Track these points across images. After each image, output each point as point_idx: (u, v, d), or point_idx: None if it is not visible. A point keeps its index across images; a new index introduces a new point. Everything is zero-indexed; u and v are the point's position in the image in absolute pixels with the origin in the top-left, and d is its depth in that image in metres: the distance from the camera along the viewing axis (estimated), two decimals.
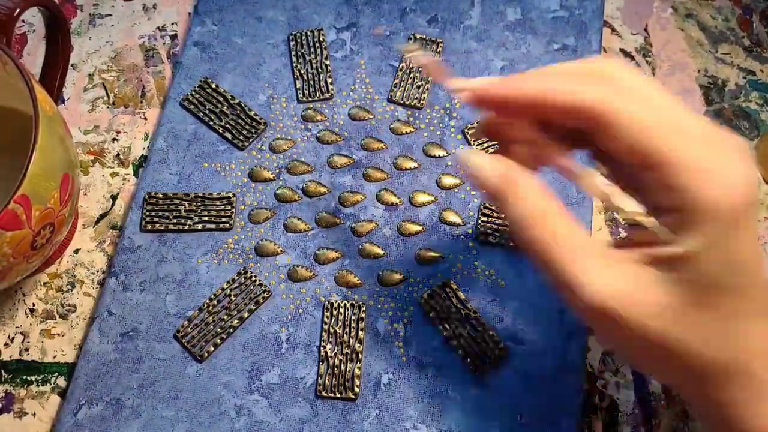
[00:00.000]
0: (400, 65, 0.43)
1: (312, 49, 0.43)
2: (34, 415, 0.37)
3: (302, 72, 0.43)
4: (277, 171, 0.40)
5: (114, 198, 0.42)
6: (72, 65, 0.45)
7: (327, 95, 0.42)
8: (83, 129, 0.44)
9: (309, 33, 0.44)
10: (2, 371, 0.38)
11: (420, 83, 0.42)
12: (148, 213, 0.39)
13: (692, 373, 0.24)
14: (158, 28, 0.47)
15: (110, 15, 0.47)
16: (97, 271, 0.40)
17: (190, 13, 0.47)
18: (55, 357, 0.38)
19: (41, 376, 0.38)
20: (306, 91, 0.42)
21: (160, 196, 0.40)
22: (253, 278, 0.37)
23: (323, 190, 0.40)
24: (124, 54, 0.46)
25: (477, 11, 0.44)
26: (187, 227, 0.39)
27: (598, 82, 0.24)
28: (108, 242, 0.41)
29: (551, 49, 0.44)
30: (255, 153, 0.41)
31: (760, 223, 0.41)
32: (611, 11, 0.47)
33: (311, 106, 0.42)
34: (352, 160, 0.41)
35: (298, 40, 0.44)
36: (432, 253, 0.38)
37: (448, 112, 0.42)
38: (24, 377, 0.38)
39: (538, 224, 0.24)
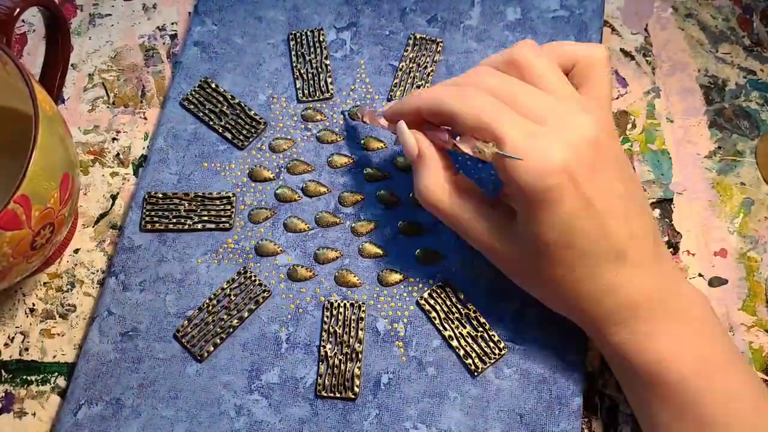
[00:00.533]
0: (400, 65, 0.43)
1: (312, 49, 0.43)
2: (34, 415, 0.37)
3: (302, 72, 0.43)
4: (277, 170, 0.40)
5: (114, 198, 0.42)
6: (72, 65, 0.45)
7: (327, 95, 0.42)
8: (83, 129, 0.44)
9: (309, 33, 0.44)
10: (2, 371, 0.38)
11: (420, 83, 0.42)
12: (147, 212, 0.39)
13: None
14: (158, 27, 0.47)
15: (110, 15, 0.47)
16: (97, 271, 0.40)
17: (190, 13, 0.47)
18: (55, 357, 0.38)
19: (41, 376, 0.38)
20: (306, 91, 0.42)
21: (160, 195, 0.40)
22: (253, 278, 0.37)
23: (323, 189, 0.40)
24: (124, 54, 0.46)
25: (477, 11, 0.44)
26: (186, 227, 0.39)
27: (460, 88, 0.32)
28: (108, 242, 0.41)
29: None
30: (255, 153, 0.41)
31: (760, 223, 0.41)
32: (611, 11, 0.47)
33: (311, 105, 0.42)
34: (352, 160, 0.41)
35: (298, 39, 0.44)
36: (432, 253, 0.38)
37: None
38: (24, 377, 0.38)
39: (439, 195, 0.33)
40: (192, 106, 0.42)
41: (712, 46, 0.46)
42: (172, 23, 0.47)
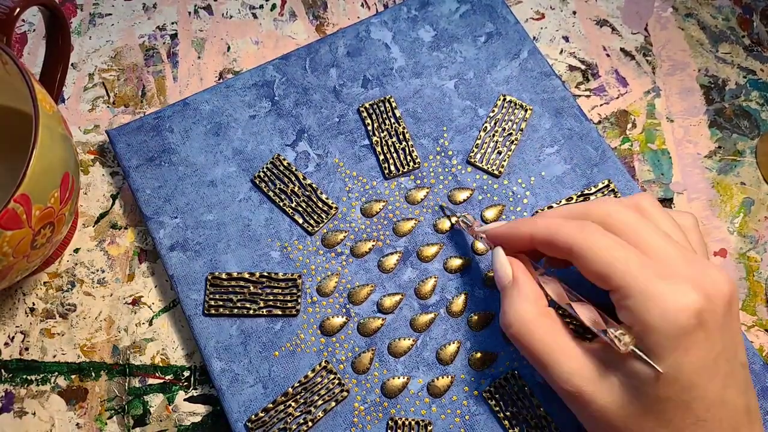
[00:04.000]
0: (374, 140, 0.41)
1: (285, 179, 0.39)
2: (34, 414, 0.37)
3: (293, 207, 0.39)
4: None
5: (114, 197, 0.42)
6: (72, 65, 0.45)
7: (332, 212, 0.39)
8: (83, 128, 0.44)
9: (269, 166, 0.40)
10: (2, 371, 0.38)
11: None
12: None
13: None
14: (158, 27, 0.47)
15: (110, 14, 0.47)
16: (97, 271, 0.40)
17: (189, 13, 0.47)
18: (55, 356, 0.38)
19: (41, 375, 0.38)
20: (311, 223, 0.39)
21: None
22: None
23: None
24: (124, 53, 0.46)
25: (396, 51, 0.43)
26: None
27: (581, 224, 0.30)
28: (108, 242, 0.41)
29: (479, 44, 0.43)
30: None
31: (760, 223, 0.41)
32: (611, 11, 0.47)
33: (325, 231, 0.39)
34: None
35: (263, 179, 0.40)
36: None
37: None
38: (24, 377, 0.38)
39: (529, 326, 0.31)
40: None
41: (712, 45, 0.46)
42: (172, 23, 0.47)
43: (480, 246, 0.39)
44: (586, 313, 0.29)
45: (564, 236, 0.30)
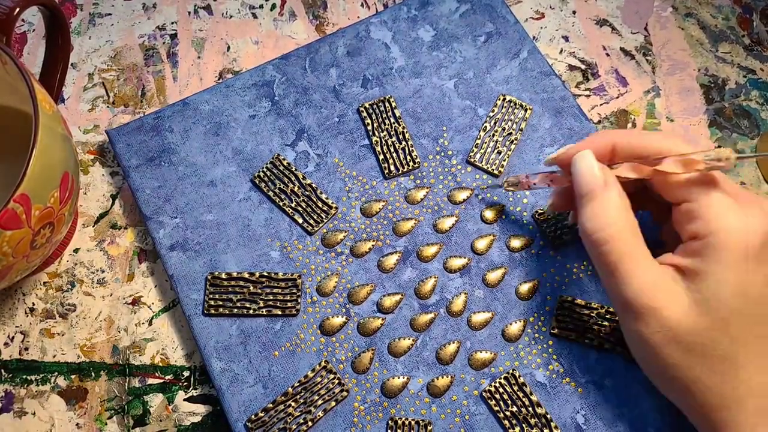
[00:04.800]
0: (374, 140, 0.41)
1: (285, 179, 0.40)
2: (34, 414, 0.37)
3: (293, 207, 0.39)
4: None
5: (114, 197, 0.42)
6: (72, 64, 0.45)
7: (332, 211, 0.39)
8: (83, 128, 0.44)
9: (269, 166, 0.40)
10: (2, 371, 0.38)
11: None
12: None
13: (694, 395, 0.29)
14: (158, 27, 0.47)
15: (110, 14, 0.47)
16: (97, 271, 0.40)
17: (189, 13, 0.47)
18: (55, 356, 0.38)
19: (41, 375, 0.38)
20: (311, 223, 0.39)
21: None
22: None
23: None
24: (124, 53, 0.46)
25: (396, 51, 0.43)
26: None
27: (665, 134, 0.31)
28: (108, 242, 0.41)
29: (479, 43, 0.43)
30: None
31: None
32: (611, 10, 0.47)
33: (325, 230, 0.39)
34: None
35: (263, 179, 0.40)
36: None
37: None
38: (24, 376, 0.38)
39: (621, 234, 0.30)
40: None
41: (712, 45, 0.46)
42: (172, 23, 0.47)
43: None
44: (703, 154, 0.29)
45: (653, 140, 0.30)
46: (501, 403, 0.35)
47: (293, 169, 0.40)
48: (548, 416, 0.35)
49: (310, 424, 0.35)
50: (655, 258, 0.30)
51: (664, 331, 0.29)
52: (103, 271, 0.40)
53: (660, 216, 0.35)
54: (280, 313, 0.37)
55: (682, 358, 0.29)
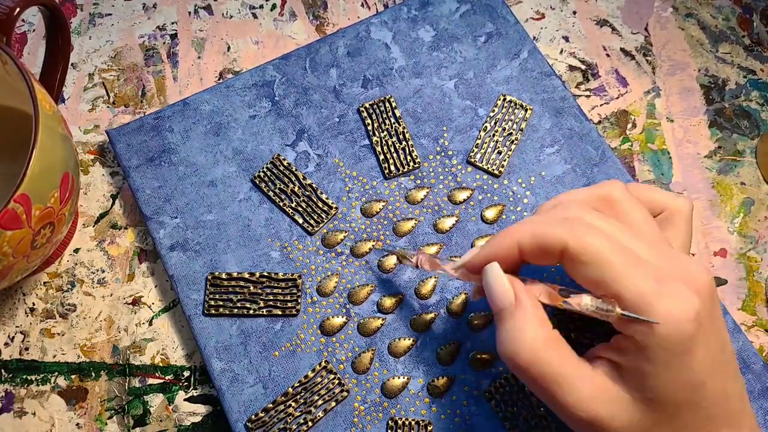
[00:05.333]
0: (374, 140, 0.41)
1: (285, 179, 0.40)
2: (34, 414, 0.37)
3: (293, 207, 0.39)
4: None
5: (114, 197, 0.42)
6: (72, 64, 0.45)
7: (332, 212, 0.39)
8: (83, 128, 0.44)
9: (269, 166, 0.40)
10: (2, 371, 0.38)
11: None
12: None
13: None
14: (158, 27, 0.47)
15: (110, 14, 0.47)
16: (97, 271, 0.40)
17: (189, 13, 0.47)
18: (55, 356, 0.38)
19: (41, 375, 0.38)
20: (311, 223, 0.39)
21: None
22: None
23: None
24: (124, 53, 0.46)
25: (397, 51, 0.43)
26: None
27: (567, 221, 0.28)
28: (108, 242, 0.41)
29: (479, 43, 0.43)
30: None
31: (760, 223, 0.41)
32: (612, 10, 0.47)
33: (325, 230, 0.39)
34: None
35: (263, 179, 0.40)
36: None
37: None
38: (24, 377, 0.38)
39: (539, 355, 0.28)
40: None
41: (712, 45, 0.46)
42: (172, 23, 0.47)
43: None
44: (587, 303, 0.28)
45: (556, 237, 0.28)
46: (501, 403, 0.35)
47: (293, 170, 0.40)
48: (549, 417, 0.35)
49: (310, 424, 0.35)
50: (588, 351, 0.29)
51: None
52: (103, 271, 0.40)
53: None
54: (280, 313, 0.37)
55: None
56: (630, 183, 0.32)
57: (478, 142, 0.41)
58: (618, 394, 0.27)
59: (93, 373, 0.38)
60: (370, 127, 0.41)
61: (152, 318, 0.39)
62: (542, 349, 0.28)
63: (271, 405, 0.35)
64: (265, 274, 0.38)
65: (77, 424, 0.37)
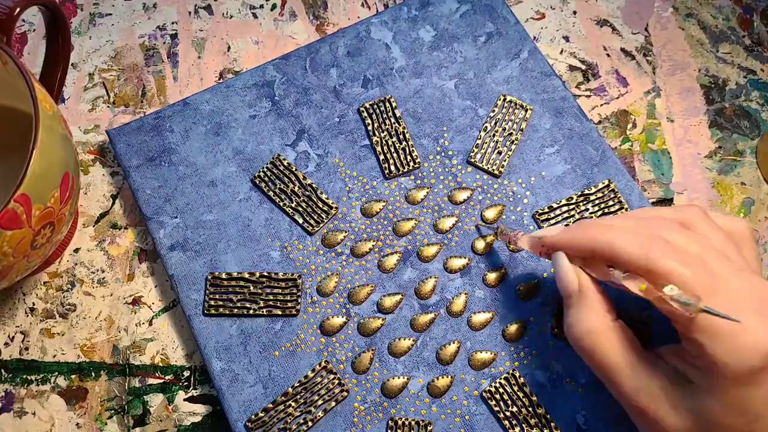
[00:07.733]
0: (375, 140, 0.41)
1: (285, 179, 0.40)
2: (34, 414, 0.37)
3: (293, 206, 0.39)
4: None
5: (114, 197, 0.42)
6: (72, 64, 0.45)
7: (332, 212, 0.39)
8: (83, 128, 0.44)
9: (269, 166, 0.40)
10: (2, 370, 0.38)
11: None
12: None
13: None
14: (158, 27, 0.47)
15: (110, 14, 0.47)
16: (97, 271, 0.40)
17: (190, 13, 0.47)
18: (55, 356, 0.38)
19: (41, 375, 0.38)
20: (311, 223, 0.39)
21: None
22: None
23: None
24: (124, 53, 0.46)
25: (397, 51, 0.43)
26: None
27: (647, 243, 0.29)
28: (108, 242, 0.41)
29: (480, 43, 0.43)
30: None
31: (760, 223, 0.41)
32: (612, 10, 0.47)
33: (326, 231, 0.39)
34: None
35: (263, 179, 0.40)
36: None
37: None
38: (24, 376, 0.38)
39: (600, 338, 0.30)
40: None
41: (713, 45, 0.46)
42: (173, 23, 0.47)
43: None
44: (674, 292, 0.28)
45: (628, 253, 0.29)
46: (501, 403, 0.35)
47: (293, 169, 0.40)
48: (548, 416, 0.35)
49: (310, 424, 0.35)
50: (654, 349, 0.31)
51: (659, 428, 0.29)
52: (103, 271, 0.40)
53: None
54: (280, 313, 0.37)
55: None
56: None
57: (478, 142, 0.41)
58: (672, 395, 0.29)
59: (93, 373, 0.38)
60: (370, 127, 0.41)
61: (152, 318, 0.39)
62: (604, 335, 0.30)
63: (271, 405, 0.35)
64: (265, 274, 0.38)
65: (77, 424, 0.37)
